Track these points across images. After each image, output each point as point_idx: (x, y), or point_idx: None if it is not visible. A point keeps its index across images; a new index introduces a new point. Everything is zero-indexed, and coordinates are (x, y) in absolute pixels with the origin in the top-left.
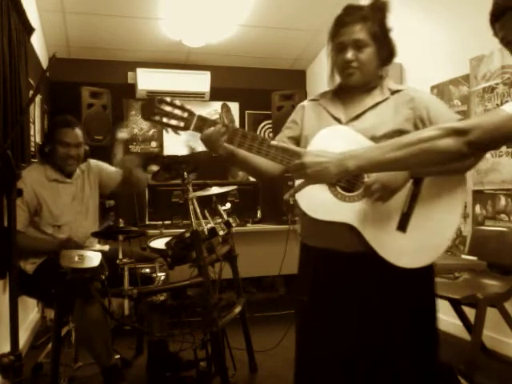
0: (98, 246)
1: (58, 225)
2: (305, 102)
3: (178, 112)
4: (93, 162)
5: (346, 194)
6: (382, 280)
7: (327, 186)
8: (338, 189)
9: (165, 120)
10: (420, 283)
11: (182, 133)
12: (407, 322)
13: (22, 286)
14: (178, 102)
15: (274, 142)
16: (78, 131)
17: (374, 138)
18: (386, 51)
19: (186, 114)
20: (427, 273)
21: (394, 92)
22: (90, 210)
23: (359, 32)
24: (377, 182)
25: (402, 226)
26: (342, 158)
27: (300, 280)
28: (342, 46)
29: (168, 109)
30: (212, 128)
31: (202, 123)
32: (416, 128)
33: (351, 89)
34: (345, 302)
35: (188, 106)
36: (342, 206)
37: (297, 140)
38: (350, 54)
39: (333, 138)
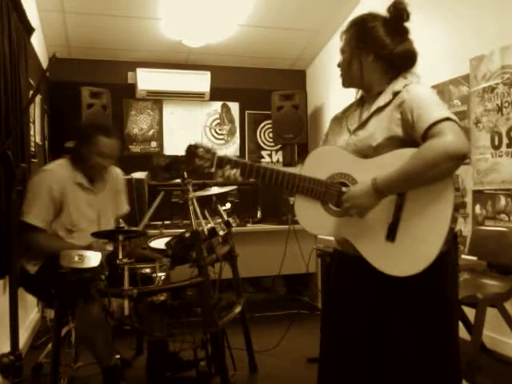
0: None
1: (71, 229)
2: (336, 113)
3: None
4: (121, 176)
5: (337, 209)
6: (384, 283)
7: (321, 204)
8: (330, 205)
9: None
10: (424, 287)
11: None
12: (417, 326)
13: (23, 284)
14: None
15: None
16: (118, 143)
17: (371, 148)
18: (374, 54)
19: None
20: (433, 275)
21: (395, 94)
22: (105, 217)
23: (341, 42)
24: (347, 201)
25: (391, 236)
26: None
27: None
28: None
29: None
30: (228, 168)
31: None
32: (405, 131)
33: (365, 97)
34: (353, 302)
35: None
36: (335, 221)
37: None
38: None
39: (319, 160)
